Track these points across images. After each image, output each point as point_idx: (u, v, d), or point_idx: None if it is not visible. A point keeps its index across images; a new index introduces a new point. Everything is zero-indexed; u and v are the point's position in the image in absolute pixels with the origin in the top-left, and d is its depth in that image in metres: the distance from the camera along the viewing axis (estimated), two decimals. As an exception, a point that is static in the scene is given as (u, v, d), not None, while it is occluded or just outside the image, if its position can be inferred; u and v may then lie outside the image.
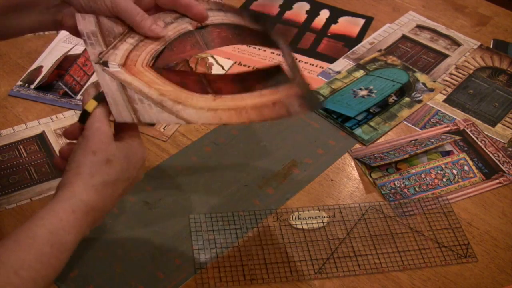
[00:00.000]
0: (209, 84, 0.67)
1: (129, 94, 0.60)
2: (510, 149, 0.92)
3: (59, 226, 0.54)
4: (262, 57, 1.07)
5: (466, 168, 0.89)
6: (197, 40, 0.69)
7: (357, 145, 0.92)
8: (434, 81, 1.04)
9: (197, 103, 0.63)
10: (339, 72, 1.05)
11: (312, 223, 0.80)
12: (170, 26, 0.69)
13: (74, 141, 0.61)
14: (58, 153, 0.62)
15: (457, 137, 0.93)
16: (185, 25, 0.69)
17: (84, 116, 0.58)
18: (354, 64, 1.07)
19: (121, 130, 0.61)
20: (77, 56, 1.03)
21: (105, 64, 0.63)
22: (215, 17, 0.71)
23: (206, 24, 0.70)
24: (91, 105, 0.58)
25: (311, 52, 1.09)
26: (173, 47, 0.68)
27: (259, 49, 1.09)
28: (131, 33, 0.67)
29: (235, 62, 1.05)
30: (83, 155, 0.57)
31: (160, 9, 0.70)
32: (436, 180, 0.86)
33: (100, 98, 0.59)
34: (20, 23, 0.70)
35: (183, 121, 0.60)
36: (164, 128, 0.92)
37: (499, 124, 0.97)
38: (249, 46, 1.08)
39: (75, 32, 0.67)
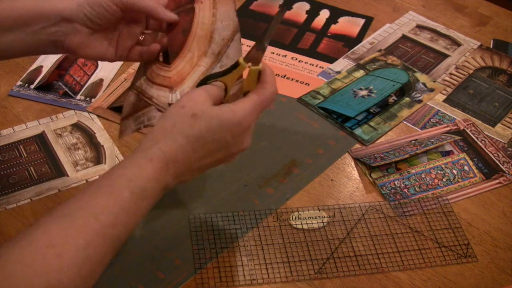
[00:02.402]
0: None
1: None
2: (510, 149, 0.92)
3: (138, 173, 0.55)
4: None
5: (466, 168, 0.89)
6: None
7: (357, 145, 0.92)
8: (434, 81, 1.04)
9: None
10: (339, 72, 1.05)
11: (312, 223, 0.80)
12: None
13: None
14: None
15: (457, 137, 0.93)
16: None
17: (234, 66, 0.59)
18: (354, 64, 1.07)
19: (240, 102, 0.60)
20: (77, 56, 1.03)
21: None
22: None
23: None
24: (242, 61, 0.59)
25: (311, 52, 1.10)
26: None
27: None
28: None
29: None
30: (172, 108, 0.58)
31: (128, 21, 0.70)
32: (436, 180, 0.86)
33: (247, 61, 0.59)
34: (10, 45, 0.66)
35: None
36: (164, 128, 0.92)
37: (499, 124, 0.97)
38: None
39: (83, 49, 0.66)
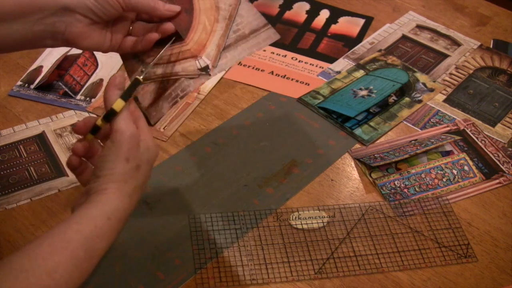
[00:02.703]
0: None
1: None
2: (510, 149, 0.92)
3: (94, 232, 0.55)
4: (262, 57, 1.07)
5: (466, 168, 0.89)
6: None
7: (357, 145, 0.92)
8: (434, 81, 1.04)
9: None
10: (339, 72, 1.05)
11: (312, 223, 0.80)
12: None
13: (82, 137, 0.61)
14: (71, 152, 0.62)
15: (457, 137, 0.93)
16: None
17: (110, 116, 0.58)
18: (354, 64, 1.07)
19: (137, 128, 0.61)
20: (77, 56, 1.03)
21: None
22: None
23: None
24: (119, 105, 0.58)
25: (311, 52, 1.09)
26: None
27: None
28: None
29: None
30: (116, 162, 0.57)
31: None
32: (436, 180, 0.86)
33: (126, 97, 0.59)
34: (7, 37, 0.64)
35: None
36: (164, 128, 0.92)
37: (499, 124, 0.97)
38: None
39: (83, 40, 0.66)
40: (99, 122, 0.60)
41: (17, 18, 0.63)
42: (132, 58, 0.71)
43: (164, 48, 0.68)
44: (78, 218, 0.56)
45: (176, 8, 0.68)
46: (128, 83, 0.63)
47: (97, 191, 0.57)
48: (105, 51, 0.69)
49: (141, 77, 0.63)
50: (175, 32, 0.68)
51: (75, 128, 0.62)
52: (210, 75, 0.68)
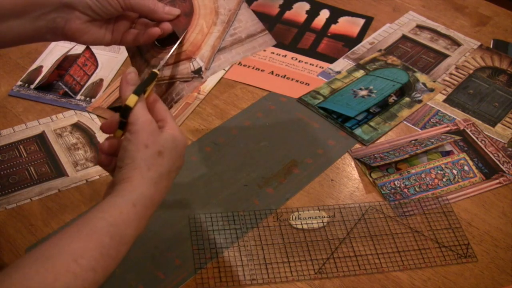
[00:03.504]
0: None
1: None
2: (510, 149, 0.92)
3: (119, 219, 0.55)
4: (262, 57, 1.07)
5: (466, 168, 0.89)
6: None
7: (357, 145, 0.92)
8: (434, 81, 1.04)
9: None
10: (339, 72, 1.05)
11: (312, 223, 0.80)
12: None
13: (112, 135, 0.61)
14: (100, 150, 0.62)
15: (457, 137, 0.93)
16: None
17: (126, 112, 0.59)
18: (354, 64, 1.07)
19: (159, 121, 0.61)
20: (77, 56, 1.03)
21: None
22: None
23: None
24: (132, 100, 0.59)
25: (311, 52, 1.09)
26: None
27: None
28: None
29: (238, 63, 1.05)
30: (136, 150, 0.57)
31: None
32: (436, 180, 0.86)
33: (139, 91, 0.59)
34: (9, 33, 0.65)
35: None
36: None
37: (499, 124, 0.97)
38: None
39: (81, 36, 0.66)
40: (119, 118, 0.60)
41: (20, 14, 0.64)
42: (139, 58, 0.71)
43: (175, 46, 0.68)
44: (103, 206, 0.55)
45: (176, 11, 0.68)
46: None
47: (121, 180, 0.57)
48: (106, 44, 0.70)
49: (157, 69, 0.63)
50: (173, 32, 0.69)
51: (102, 128, 0.62)
52: (202, 77, 0.68)
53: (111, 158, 0.62)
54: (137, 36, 0.69)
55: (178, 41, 0.68)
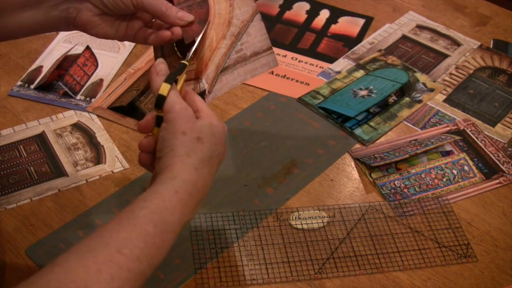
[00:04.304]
0: None
1: None
2: (510, 149, 0.92)
3: (162, 206, 0.53)
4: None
5: (466, 168, 0.89)
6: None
7: (357, 145, 0.92)
8: (434, 81, 1.04)
9: None
10: (339, 72, 1.05)
11: (312, 223, 0.80)
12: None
13: (149, 134, 0.61)
14: (139, 149, 0.61)
15: (457, 137, 0.93)
16: None
17: (160, 101, 0.58)
18: (354, 64, 1.07)
19: (194, 112, 0.60)
20: (77, 56, 1.03)
21: None
22: None
23: None
24: (165, 88, 0.58)
25: (311, 52, 1.09)
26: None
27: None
28: None
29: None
30: (174, 138, 0.57)
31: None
32: (436, 180, 0.86)
33: (171, 80, 0.59)
34: (23, 23, 0.67)
35: None
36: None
37: (499, 124, 0.97)
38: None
39: (92, 28, 0.66)
40: (154, 112, 0.60)
41: (34, 4, 0.65)
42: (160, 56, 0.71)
43: (197, 40, 0.67)
44: (145, 196, 0.54)
45: (189, 17, 0.67)
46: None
47: (162, 170, 0.56)
48: (118, 39, 0.70)
49: (186, 60, 0.63)
50: (181, 37, 0.67)
51: (139, 129, 0.61)
52: (204, 101, 0.67)
53: (152, 156, 0.61)
54: (148, 35, 0.68)
55: (194, 46, 0.68)
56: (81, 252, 0.49)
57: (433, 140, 0.91)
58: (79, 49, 1.05)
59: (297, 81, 1.03)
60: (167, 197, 0.54)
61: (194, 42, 0.68)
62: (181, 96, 0.60)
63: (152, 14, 0.67)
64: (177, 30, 0.67)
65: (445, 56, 1.10)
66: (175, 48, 0.70)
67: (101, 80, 1.01)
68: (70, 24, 0.67)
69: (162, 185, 0.55)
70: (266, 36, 0.73)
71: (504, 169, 0.89)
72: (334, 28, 1.16)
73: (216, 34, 0.70)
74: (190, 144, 0.57)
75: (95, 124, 0.92)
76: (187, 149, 0.57)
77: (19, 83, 0.99)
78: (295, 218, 0.80)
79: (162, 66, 0.61)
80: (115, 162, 0.87)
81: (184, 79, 0.62)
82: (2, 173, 0.84)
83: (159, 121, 0.60)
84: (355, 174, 0.88)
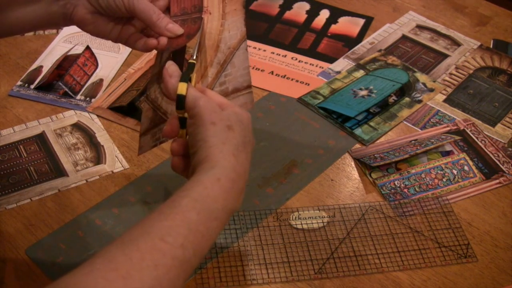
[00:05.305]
0: None
1: None
2: (510, 149, 0.92)
3: (205, 194, 0.53)
4: (262, 57, 1.07)
5: (466, 168, 0.89)
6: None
7: (357, 145, 0.92)
8: (434, 81, 1.04)
9: None
10: (339, 72, 1.05)
11: (312, 223, 0.80)
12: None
13: (176, 138, 0.61)
14: (171, 154, 0.61)
15: (457, 137, 0.93)
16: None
17: (181, 101, 0.58)
18: (354, 64, 1.07)
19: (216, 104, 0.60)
20: (77, 56, 1.03)
21: None
22: None
23: None
24: (183, 88, 0.58)
25: (311, 52, 1.10)
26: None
27: (259, 49, 1.09)
28: None
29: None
30: (205, 130, 0.56)
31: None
32: (436, 180, 0.86)
33: (186, 78, 0.59)
34: (24, 18, 0.67)
35: None
36: (164, 128, 0.92)
37: (499, 124, 0.97)
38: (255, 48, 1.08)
39: (86, 25, 0.67)
40: (177, 114, 0.60)
41: (35, 1, 0.66)
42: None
43: (198, 40, 0.67)
44: (186, 186, 0.53)
45: (178, 31, 0.66)
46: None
47: (199, 162, 0.55)
48: (112, 40, 0.70)
49: (193, 59, 0.64)
50: (165, 48, 0.67)
51: (165, 135, 0.61)
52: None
53: (184, 159, 0.61)
54: (137, 41, 0.69)
55: (196, 49, 0.67)
56: (123, 242, 0.49)
57: (433, 140, 0.91)
58: (79, 49, 1.05)
59: (297, 81, 1.03)
60: (209, 184, 0.53)
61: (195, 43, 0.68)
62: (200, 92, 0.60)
63: (143, 21, 0.67)
64: (163, 40, 0.66)
65: (445, 56, 1.10)
66: (172, 57, 0.69)
67: (101, 80, 1.01)
68: (67, 19, 0.68)
69: (202, 174, 0.54)
70: (248, 70, 0.71)
71: (504, 169, 0.89)
72: (334, 28, 1.16)
73: (205, 60, 0.69)
74: (222, 132, 0.56)
75: (95, 124, 0.92)
76: (221, 138, 0.56)
77: (19, 83, 0.99)
78: (295, 218, 0.80)
79: (173, 67, 0.61)
80: (115, 162, 0.87)
81: (195, 78, 0.62)
82: (2, 173, 0.84)
83: (182, 122, 0.60)
84: (355, 174, 0.88)
